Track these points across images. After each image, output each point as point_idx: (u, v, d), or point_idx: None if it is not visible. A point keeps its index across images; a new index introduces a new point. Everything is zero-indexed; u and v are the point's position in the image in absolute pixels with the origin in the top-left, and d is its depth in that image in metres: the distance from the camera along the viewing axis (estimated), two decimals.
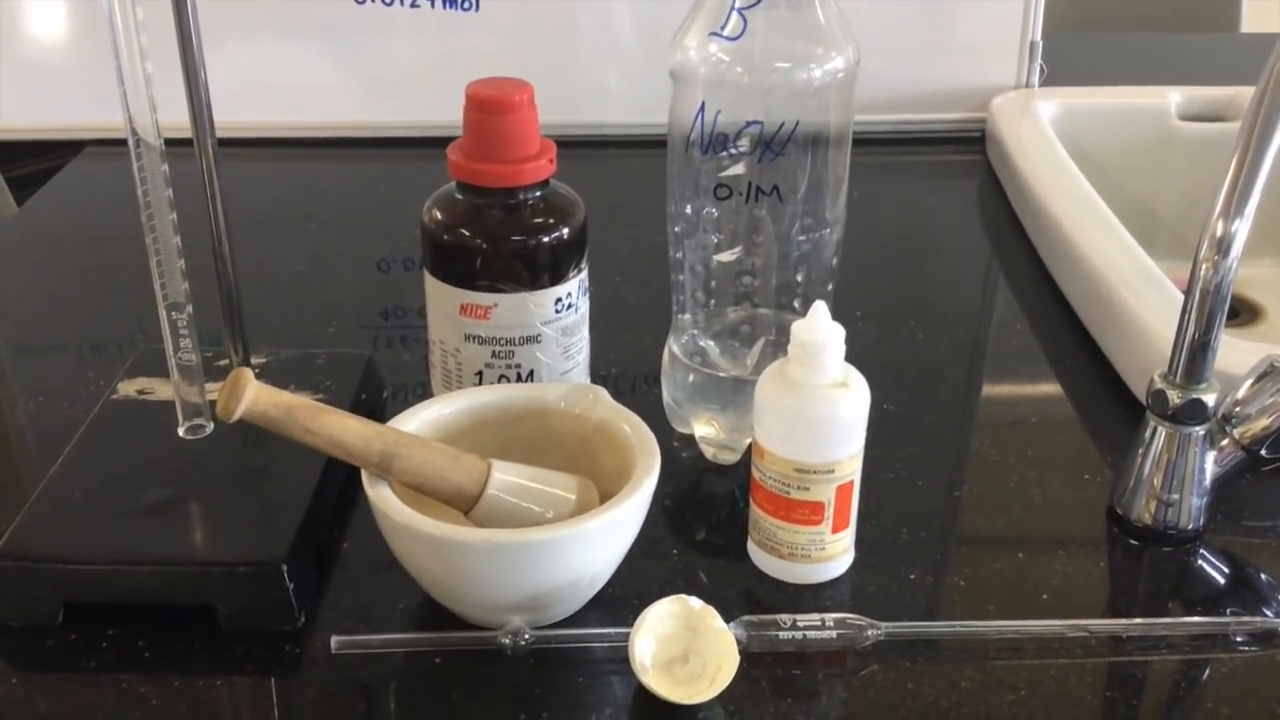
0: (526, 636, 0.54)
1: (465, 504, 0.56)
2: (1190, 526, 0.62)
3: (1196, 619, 0.58)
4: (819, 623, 0.55)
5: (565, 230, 0.63)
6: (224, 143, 0.61)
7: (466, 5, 1.05)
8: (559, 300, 0.64)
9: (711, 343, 0.68)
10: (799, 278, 0.66)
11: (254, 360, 0.68)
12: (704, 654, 0.53)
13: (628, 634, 0.53)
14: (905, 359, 0.79)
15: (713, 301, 0.67)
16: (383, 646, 0.55)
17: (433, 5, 1.05)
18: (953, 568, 0.62)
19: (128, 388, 0.67)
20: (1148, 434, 0.62)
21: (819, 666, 0.55)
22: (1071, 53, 1.17)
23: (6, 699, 0.53)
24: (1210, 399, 0.60)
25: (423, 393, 0.72)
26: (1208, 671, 0.56)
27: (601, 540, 0.54)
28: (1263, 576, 0.61)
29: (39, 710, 0.53)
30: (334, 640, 0.54)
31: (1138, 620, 0.57)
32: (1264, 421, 0.60)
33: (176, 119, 0.59)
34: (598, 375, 0.71)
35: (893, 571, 0.61)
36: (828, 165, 0.63)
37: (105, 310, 0.84)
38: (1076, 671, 0.55)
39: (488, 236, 0.63)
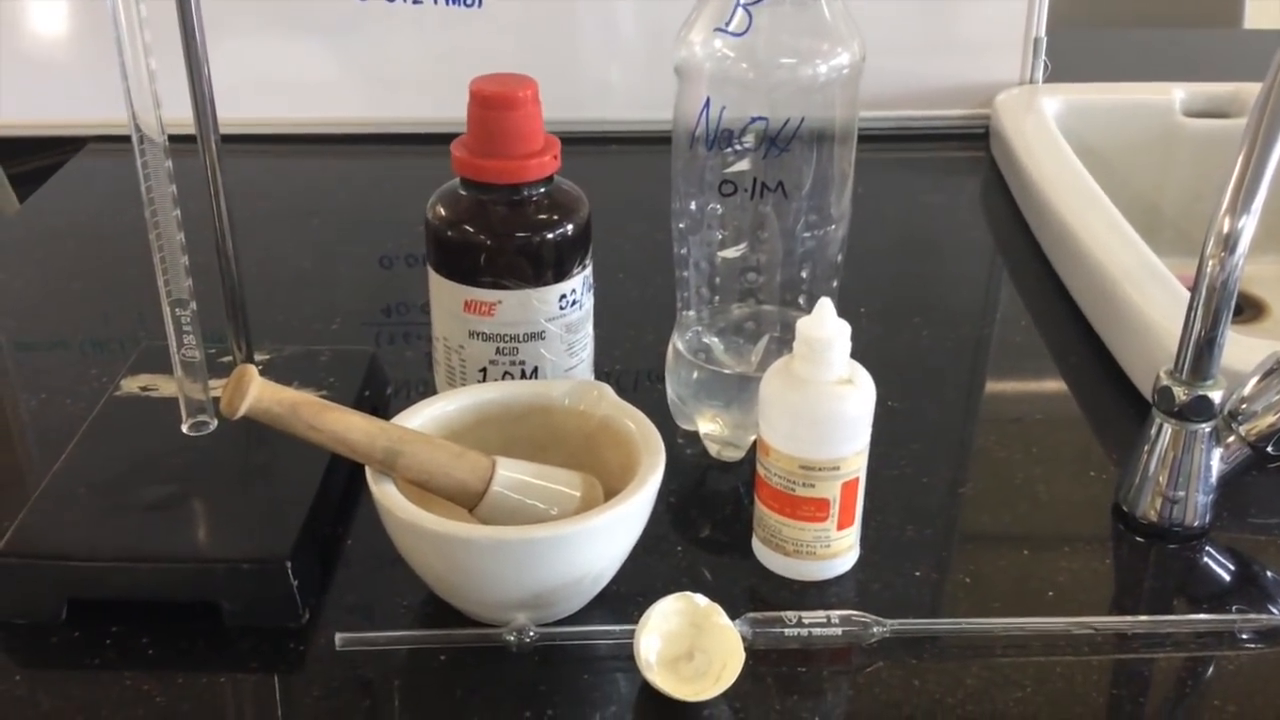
0: (531, 634, 0.54)
1: (470, 501, 0.56)
2: (1196, 524, 0.62)
3: (1202, 616, 0.57)
4: (824, 620, 0.55)
5: (570, 226, 0.63)
6: (227, 139, 0.61)
7: (469, 1, 1.05)
8: (563, 297, 0.64)
9: (716, 339, 0.68)
10: (804, 274, 0.65)
11: (257, 357, 0.68)
12: (709, 651, 0.53)
13: (633, 631, 0.53)
14: (909, 356, 0.79)
15: (717, 298, 0.67)
16: (387, 643, 0.55)
17: (435, 1, 1.05)
18: (958, 565, 0.61)
19: (131, 384, 0.67)
20: (1153, 431, 0.62)
21: (824, 664, 0.55)
22: (1075, 48, 1.17)
23: (10, 696, 0.53)
24: (1216, 396, 0.60)
25: (426, 389, 0.72)
26: (1214, 669, 0.55)
27: (606, 537, 0.54)
28: (1268, 574, 0.61)
29: (42, 708, 0.53)
30: (338, 637, 0.54)
31: (1143, 617, 0.57)
32: (1270, 418, 0.60)
33: (179, 115, 0.59)
34: (601, 372, 0.71)
35: (898, 568, 0.60)
36: (833, 161, 0.63)
37: (107, 307, 0.84)
38: (1082, 669, 0.55)
39: (492, 233, 0.62)
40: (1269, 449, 0.61)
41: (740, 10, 0.59)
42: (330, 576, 0.59)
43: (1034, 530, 0.64)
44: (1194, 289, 0.58)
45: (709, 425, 0.67)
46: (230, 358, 0.66)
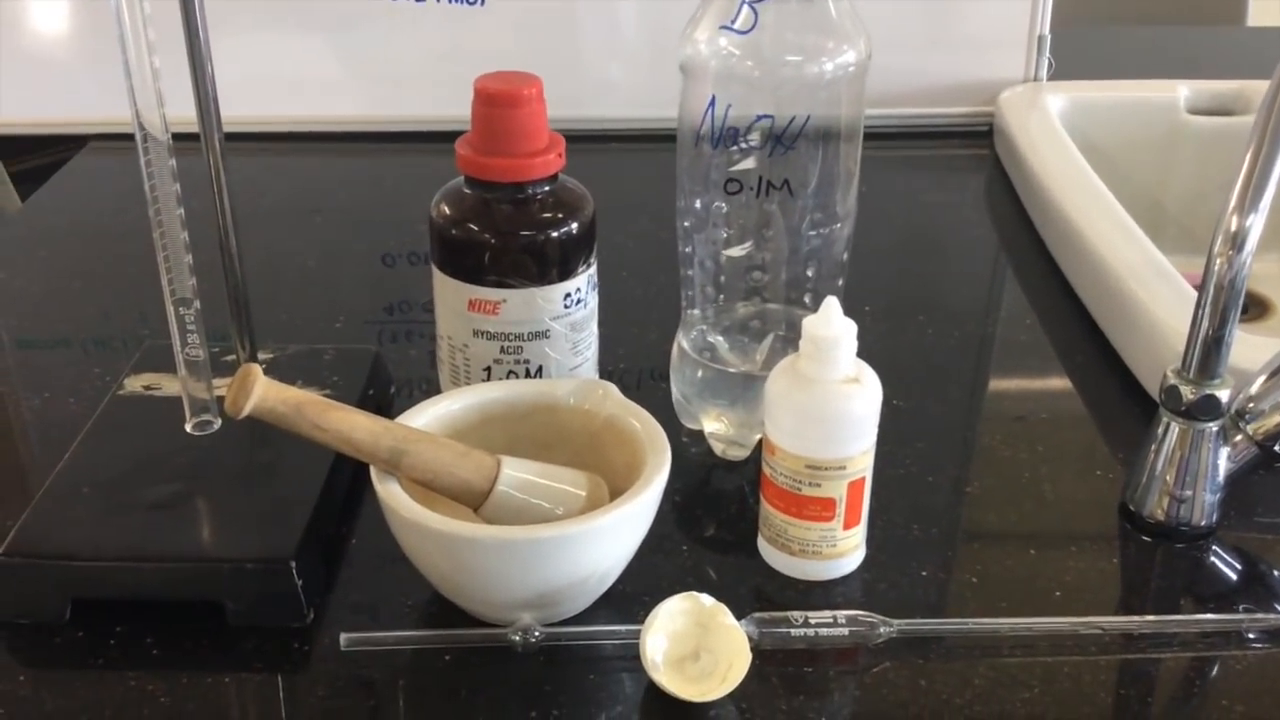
0: (536, 633, 0.54)
1: (474, 500, 0.56)
2: (1203, 523, 0.62)
3: (1210, 616, 0.57)
4: (831, 620, 0.55)
5: (574, 225, 0.63)
6: (230, 137, 0.61)
7: None
8: (568, 295, 0.63)
9: (721, 338, 0.68)
10: (809, 273, 0.65)
11: (261, 356, 0.67)
12: (715, 651, 0.53)
13: (638, 631, 0.52)
14: (914, 354, 0.79)
15: (722, 297, 0.67)
16: (392, 643, 0.55)
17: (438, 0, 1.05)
18: (964, 564, 0.61)
19: (134, 383, 0.67)
20: (1160, 430, 0.61)
21: (831, 664, 0.55)
22: (1079, 46, 1.17)
23: (14, 696, 0.53)
24: (1224, 394, 0.59)
25: (429, 388, 0.72)
26: (1221, 669, 0.55)
27: (612, 537, 0.54)
28: (1276, 573, 0.61)
29: (46, 707, 0.53)
30: (343, 637, 0.54)
31: (1151, 617, 0.57)
32: (1278, 417, 0.60)
33: (183, 113, 0.58)
34: (606, 371, 0.71)
35: (904, 568, 0.60)
36: (838, 159, 0.63)
37: (110, 306, 0.83)
38: (1090, 668, 0.55)
39: (496, 231, 0.62)
40: (1276, 448, 0.60)
41: (746, 8, 0.59)
42: (335, 576, 0.59)
43: (1040, 530, 0.64)
44: (1201, 287, 0.58)
45: (714, 424, 0.67)
46: (234, 356, 0.66)
